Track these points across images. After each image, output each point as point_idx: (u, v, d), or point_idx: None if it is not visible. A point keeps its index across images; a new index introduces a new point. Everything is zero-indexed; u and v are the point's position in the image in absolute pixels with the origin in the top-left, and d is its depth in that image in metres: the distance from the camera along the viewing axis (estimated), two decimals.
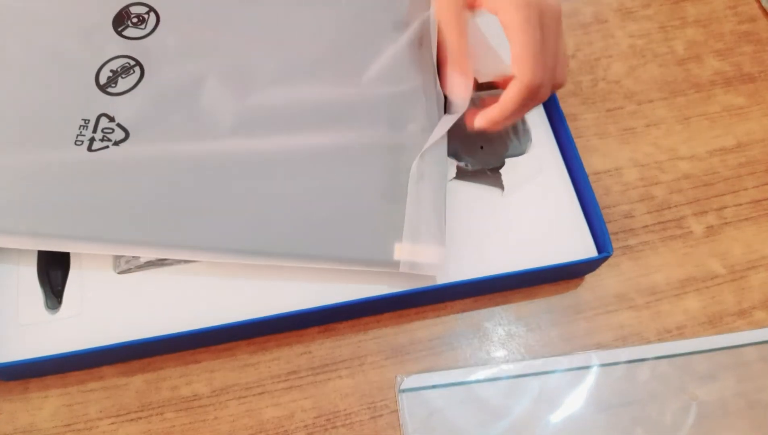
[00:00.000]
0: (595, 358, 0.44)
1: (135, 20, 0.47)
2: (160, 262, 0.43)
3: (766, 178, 0.50)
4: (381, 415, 0.42)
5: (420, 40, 0.46)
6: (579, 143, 0.51)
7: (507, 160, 0.47)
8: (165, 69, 0.45)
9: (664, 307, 0.46)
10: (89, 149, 0.42)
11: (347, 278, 0.43)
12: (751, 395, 0.43)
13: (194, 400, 0.42)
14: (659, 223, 0.49)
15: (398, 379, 0.43)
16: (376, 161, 0.43)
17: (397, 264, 0.41)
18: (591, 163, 0.51)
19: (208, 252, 0.41)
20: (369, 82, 0.46)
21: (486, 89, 0.46)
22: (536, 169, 0.47)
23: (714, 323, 0.45)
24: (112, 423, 0.41)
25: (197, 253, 0.41)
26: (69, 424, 0.41)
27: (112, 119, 0.43)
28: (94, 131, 0.43)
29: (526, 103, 0.40)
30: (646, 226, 0.48)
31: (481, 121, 0.42)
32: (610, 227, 0.48)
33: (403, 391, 0.42)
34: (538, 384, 0.43)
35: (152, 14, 0.48)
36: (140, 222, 0.41)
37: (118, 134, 0.43)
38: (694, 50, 0.56)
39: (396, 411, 0.42)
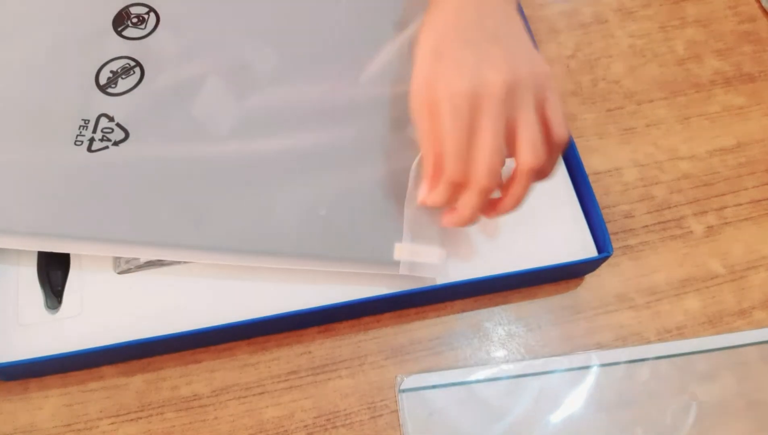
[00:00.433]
0: (595, 358, 0.43)
1: (135, 20, 0.47)
2: (160, 262, 0.43)
3: (766, 178, 0.50)
4: (381, 415, 0.42)
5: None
6: (579, 143, 0.51)
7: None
8: (165, 69, 0.45)
9: (664, 307, 0.46)
10: (89, 149, 0.42)
11: (347, 278, 0.43)
12: (751, 395, 0.43)
13: (194, 400, 0.42)
14: (659, 223, 0.49)
15: (398, 379, 0.43)
16: (376, 161, 0.43)
17: (396, 265, 0.41)
18: (591, 163, 0.50)
19: (207, 253, 0.41)
20: (369, 82, 0.46)
21: None
22: None
23: (714, 323, 0.45)
24: (112, 423, 0.41)
25: (197, 254, 0.41)
26: (69, 424, 0.41)
27: (111, 119, 0.43)
28: (94, 131, 0.43)
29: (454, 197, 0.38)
30: (646, 226, 0.48)
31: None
32: (610, 227, 0.48)
33: (403, 391, 0.42)
34: (538, 384, 0.43)
35: (152, 14, 0.48)
36: (140, 222, 0.41)
37: (118, 134, 0.43)
38: (694, 50, 0.56)
39: (396, 411, 0.42)
